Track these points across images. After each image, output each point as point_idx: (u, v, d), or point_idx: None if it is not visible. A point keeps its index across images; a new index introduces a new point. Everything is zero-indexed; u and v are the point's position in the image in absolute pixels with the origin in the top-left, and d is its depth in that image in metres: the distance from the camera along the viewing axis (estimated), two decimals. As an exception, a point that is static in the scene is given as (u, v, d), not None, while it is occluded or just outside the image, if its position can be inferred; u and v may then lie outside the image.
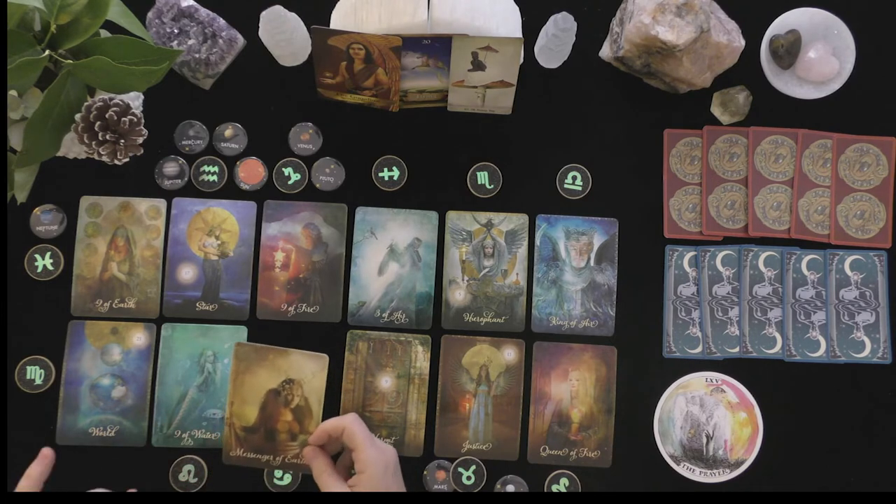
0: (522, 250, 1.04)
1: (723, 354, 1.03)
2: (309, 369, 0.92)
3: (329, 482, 0.87)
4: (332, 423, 0.89)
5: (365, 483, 0.86)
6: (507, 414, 1.02)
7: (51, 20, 0.85)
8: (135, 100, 0.96)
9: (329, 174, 1.04)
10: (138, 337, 1.01)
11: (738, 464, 1.02)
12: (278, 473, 0.99)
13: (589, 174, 1.05)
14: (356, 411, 1.01)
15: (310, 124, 1.05)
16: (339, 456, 0.93)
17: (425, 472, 1.01)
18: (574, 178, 1.05)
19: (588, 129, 1.06)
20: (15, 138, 0.90)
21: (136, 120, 0.90)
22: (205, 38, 1.02)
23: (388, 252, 1.04)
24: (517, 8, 1.02)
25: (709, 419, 1.02)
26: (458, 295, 1.03)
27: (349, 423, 0.88)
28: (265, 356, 0.92)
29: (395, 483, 0.88)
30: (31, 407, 1.00)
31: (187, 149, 1.04)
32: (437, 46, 0.92)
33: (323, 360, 0.92)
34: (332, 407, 1.01)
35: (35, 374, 1.00)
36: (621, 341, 1.03)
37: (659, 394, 1.02)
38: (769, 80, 1.06)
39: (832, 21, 1.05)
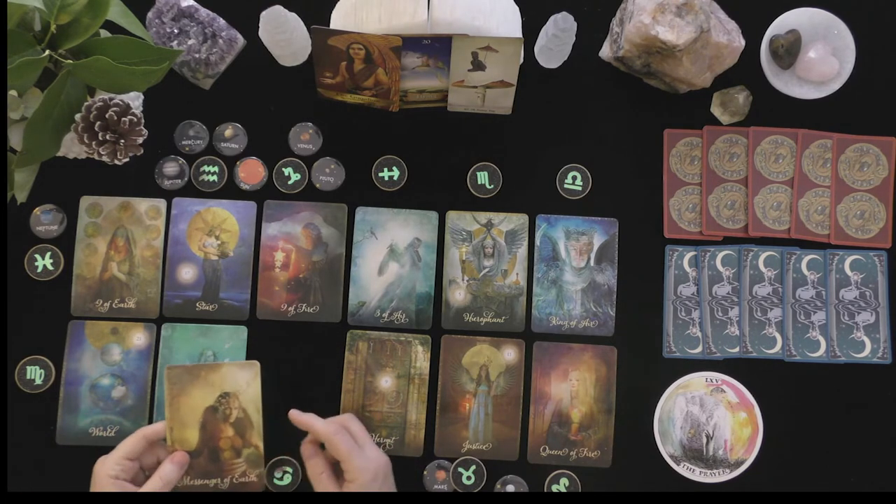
0: (522, 250, 1.04)
1: (723, 354, 1.03)
2: (242, 379, 0.91)
3: (326, 483, 0.87)
4: (321, 428, 0.89)
5: (354, 491, 0.86)
6: (507, 414, 1.02)
7: (51, 20, 0.85)
8: (135, 100, 0.96)
9: (329, 174, 1.04)
10: (138, 337, 1.01)
11: (738, 464, 1.02)
12: (278, 473, 0.99)
13: (589, 174, 1.05)
14: (356, 411, 1.01)
15: (310, 124, 1.05)
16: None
17: (425, 472, 1.01)
18: (574, 178, 1.05)
19: (588, 129, 1.06)
20: (15, 138, 0.90)
21: (136, 120, 0.90)
22: (205, 38, 1.02)
23: (388, 252, 1.04)
24: (517, 8, 1.02)
25: (709, 419, 1.02)
26: (458, 295, 1.03)
27: (332, 436, 0.88)
28: (197, 374, 0.91)
29: (386, 489, 0.88)
30: (31, 407, 1.00)
31: (187, 149, 1.04)
32: (437, 46, 0.92)
33: (254, 367, 0.91)
34: (332, 407, 1.01)
35: (35, 374, 1.00)
36: (621, 341, 1.03)
37: (659, 394, 1.02)
38: (769, 80, 1.06)
39: (832, 21, 1.05)
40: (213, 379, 0.90)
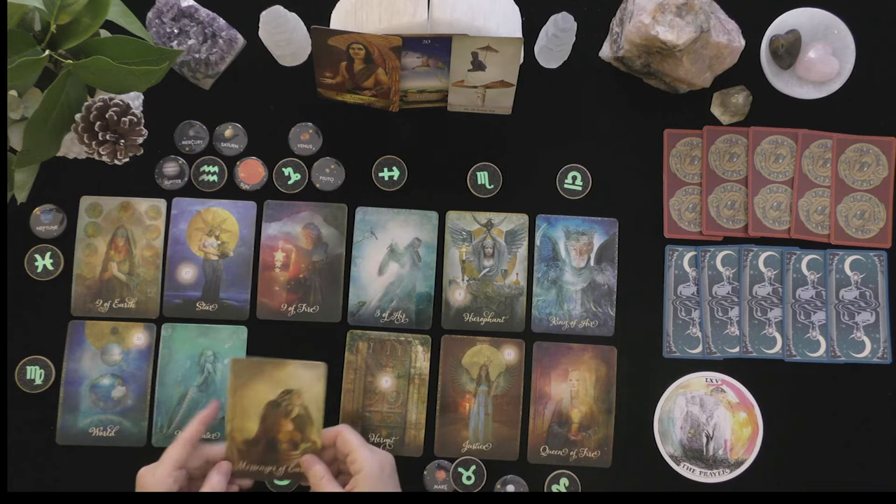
0: (522, 250, 1.04)
1: (723, 354, 1.03)
2: (307, 378, 0.90)
3: (328, 487, 0.87)
4: (326, 432, 0.90)
5: (363, 483, 0.86)
6: (507, 414, 1.02)
7: (51, 20, 0.86)
8: (135, 100, 0.96)
9: (329, 174, 1.04)
10: (138, 337, 1.01)
11: (738, 464, 1.02)
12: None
13: (589, 174, 1.05)
14: (356, 411, 1.01)
15: (310, 124, 1.05)
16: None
17: (425, 472, 1.01)
18: (574, 178, 1.05)
19: (588, 129, 1.06)
20: (15, 138, 0.90)
21: (136, 120, 0.90)
22: (205, 38, 1.02)
23: (388, 252, 1.04)
24: (517, 8, 1.02)
25: (709, 419, 1.02)
26: (458, 295, 1.03)
27: (342, 429, 0.90)
28: (262, 369, 0.90)
29: (392, 486, 0.88)
30: (31, 407, 1.00)
31: (187, 149, 1.04)
32: (437, 46, 0.92)
33: (320, 368, 0.91)
34: (331, 408, 1.00)
35: (35, 374, 1.00)
36: (621, 341, 1.03)
37: (659, 394, 1.02)
38: (769, 80, 1.06)
39: (832, 21, 1.05)
40: (278, 376, 0.90)
